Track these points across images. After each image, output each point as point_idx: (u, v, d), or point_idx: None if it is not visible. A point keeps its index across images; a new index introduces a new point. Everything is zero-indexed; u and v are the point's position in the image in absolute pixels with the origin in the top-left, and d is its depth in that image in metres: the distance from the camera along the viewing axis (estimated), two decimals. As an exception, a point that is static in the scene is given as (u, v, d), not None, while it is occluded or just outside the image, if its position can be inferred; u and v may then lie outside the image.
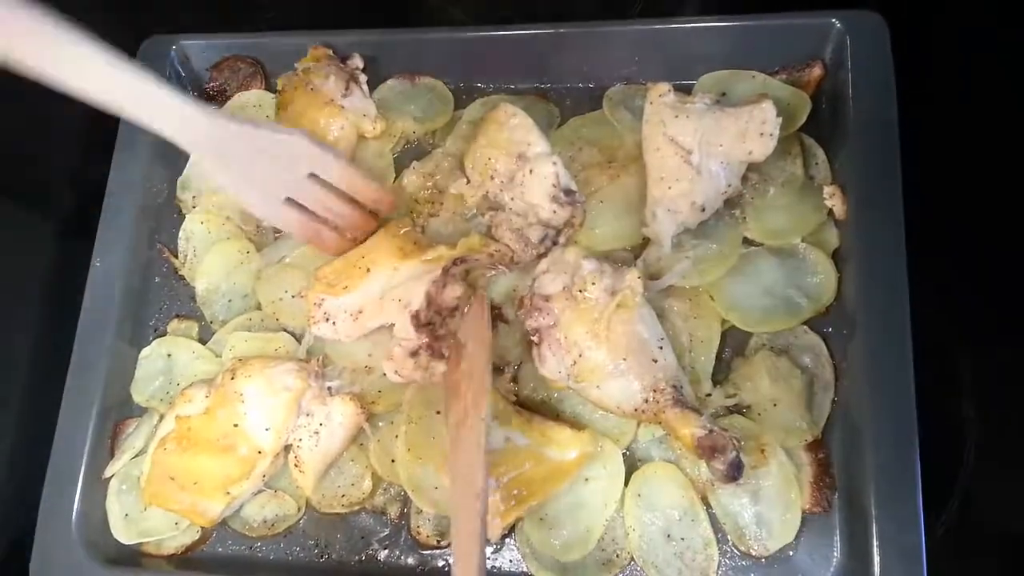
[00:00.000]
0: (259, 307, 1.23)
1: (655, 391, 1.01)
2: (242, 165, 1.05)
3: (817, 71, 1.19)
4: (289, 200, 1.10)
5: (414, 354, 1.09)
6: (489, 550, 1.09)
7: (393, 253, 1.10)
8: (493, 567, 1.09)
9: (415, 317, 1.08)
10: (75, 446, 1.16)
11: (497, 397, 1.04)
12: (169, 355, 1.23)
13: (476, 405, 0.98)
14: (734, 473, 0.97)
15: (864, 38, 1.14)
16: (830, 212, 1.12)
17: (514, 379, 1.12)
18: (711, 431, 0.98)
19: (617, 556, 1.05)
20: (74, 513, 1.13)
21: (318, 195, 1.11)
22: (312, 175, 1.10)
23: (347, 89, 1.24)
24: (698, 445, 0.98)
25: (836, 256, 1.12)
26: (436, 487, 1.07)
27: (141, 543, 1.15)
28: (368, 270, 1.10)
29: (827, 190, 1.12)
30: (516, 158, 1.13)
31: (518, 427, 1.04)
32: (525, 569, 1.07)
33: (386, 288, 1.10)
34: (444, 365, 1.09)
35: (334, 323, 1.11)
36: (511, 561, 1.09)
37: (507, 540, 1.09)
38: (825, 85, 1.20)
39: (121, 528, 1.15)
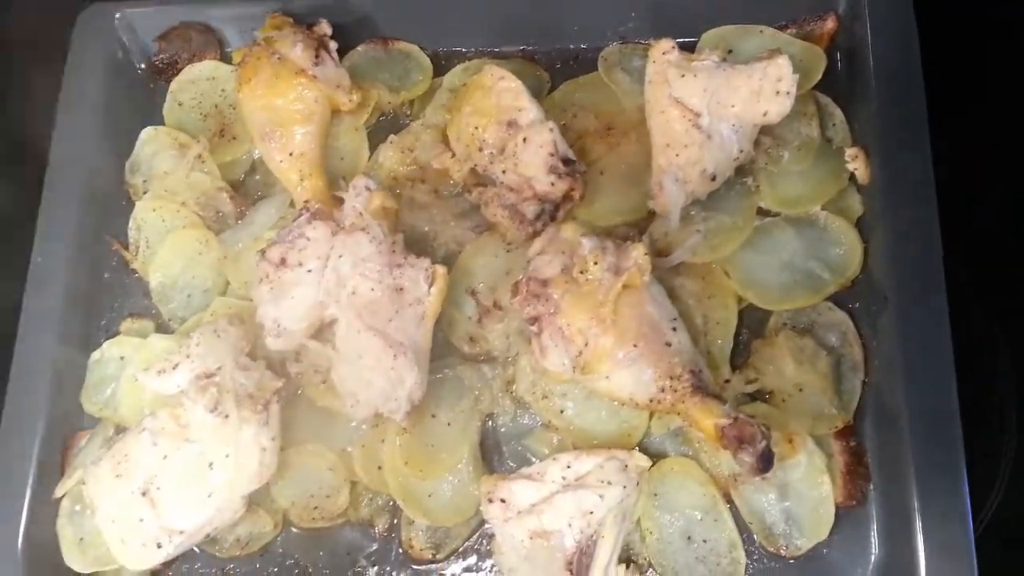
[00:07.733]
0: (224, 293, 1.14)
1: (671, 378, 0.94)
2: None
3: (830, 23, 1.14)
4: None
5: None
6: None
7: None
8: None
9: None
10: (20, 463, 1.08)
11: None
12: (122, 358, 1.13)
13: None
14: (764, 464, 0.90)
15: (880, -15, 1.09)
16: (852, 177, 1.08)
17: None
18: (737, 419, 0.91)
19: (634, 562, 0.98)
20: (19, 538, 1.05)
21: None
22: None
23: (317, 57, 1.13)
24: (723, 436, 0.91)
25: (860, 224, 1.08)
26: (429, 495, 1.00)
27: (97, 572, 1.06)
28: None
29: (849, 152, 1.07)
30: (506, 126, 1.06)
31: None
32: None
33: None
34: None
35: None
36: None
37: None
38: (839, 39, 1.15)
39: (75, 554, 1.06)
